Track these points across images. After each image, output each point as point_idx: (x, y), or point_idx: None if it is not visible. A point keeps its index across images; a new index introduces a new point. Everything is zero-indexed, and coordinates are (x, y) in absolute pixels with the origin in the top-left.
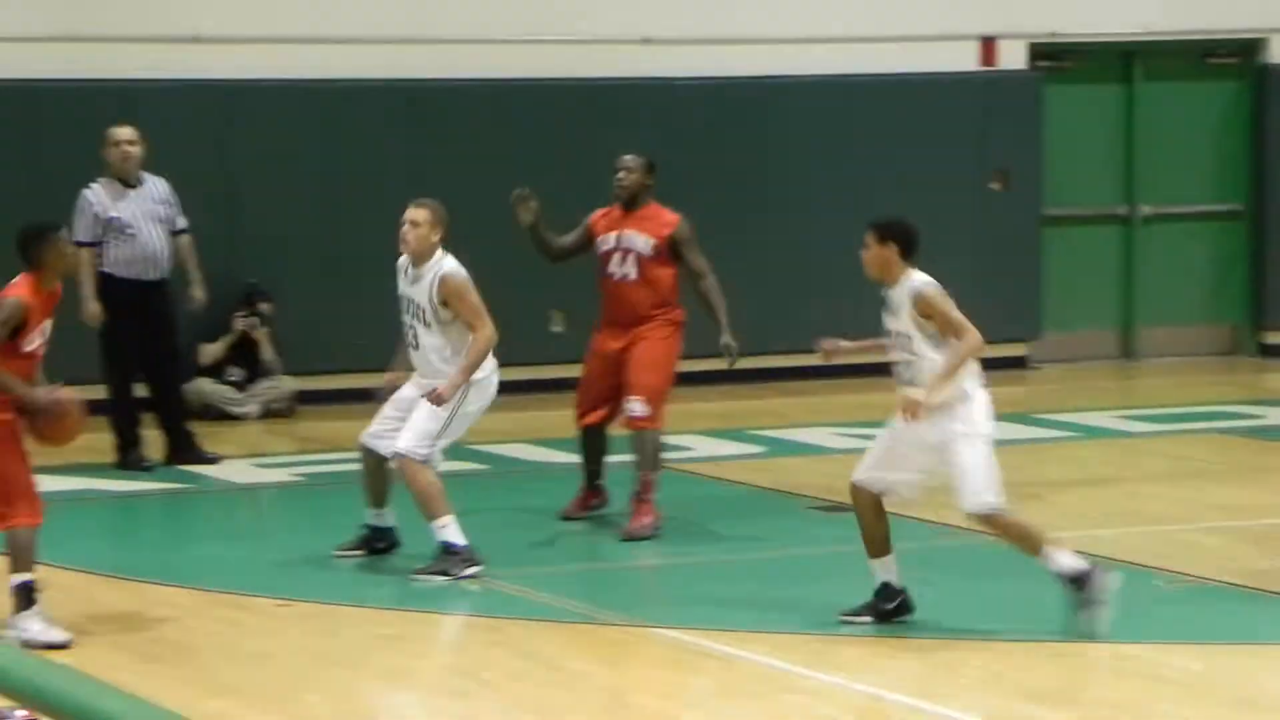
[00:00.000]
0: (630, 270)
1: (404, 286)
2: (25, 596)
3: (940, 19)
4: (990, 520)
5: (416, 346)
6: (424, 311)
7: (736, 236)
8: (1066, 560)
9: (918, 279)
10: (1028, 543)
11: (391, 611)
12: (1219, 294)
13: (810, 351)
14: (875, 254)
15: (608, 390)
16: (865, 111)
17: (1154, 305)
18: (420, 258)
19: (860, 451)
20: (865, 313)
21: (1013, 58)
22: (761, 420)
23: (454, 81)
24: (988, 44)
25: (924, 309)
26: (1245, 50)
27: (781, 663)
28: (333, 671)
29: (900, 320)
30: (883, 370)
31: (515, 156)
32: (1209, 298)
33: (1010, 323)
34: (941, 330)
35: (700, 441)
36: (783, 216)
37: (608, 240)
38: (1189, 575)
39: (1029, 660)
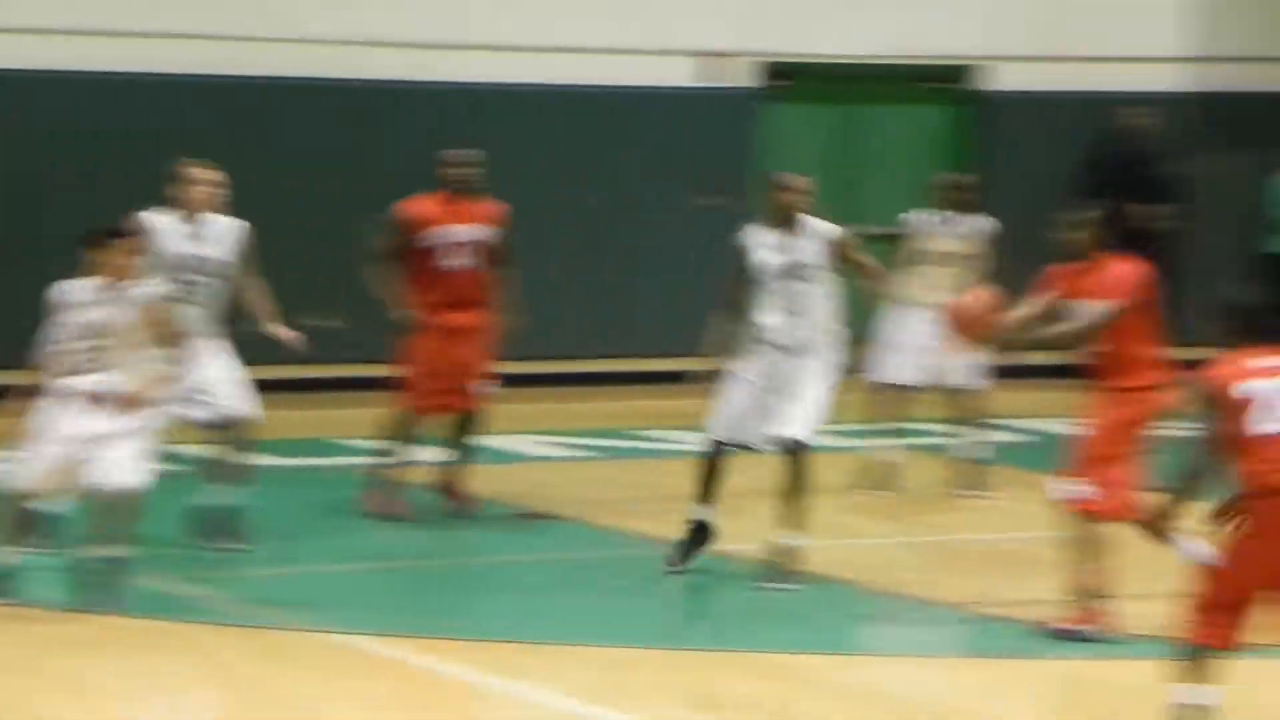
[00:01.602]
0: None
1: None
2: None
3: (663, 34)
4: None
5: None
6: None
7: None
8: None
9: None
10: None
11: (67, 613)
12: None
13: (515, 359)
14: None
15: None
16: (581, 123)
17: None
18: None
19: (560, 460)
20: (567, 316)
21: (735, 75)
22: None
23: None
24: (710, 60)
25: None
26: (956, 76)
27: (463, 669)
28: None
29: None
30: (581, 380)
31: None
32: None
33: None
34: None
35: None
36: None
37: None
38: (877, 588)
39: (709, 669)
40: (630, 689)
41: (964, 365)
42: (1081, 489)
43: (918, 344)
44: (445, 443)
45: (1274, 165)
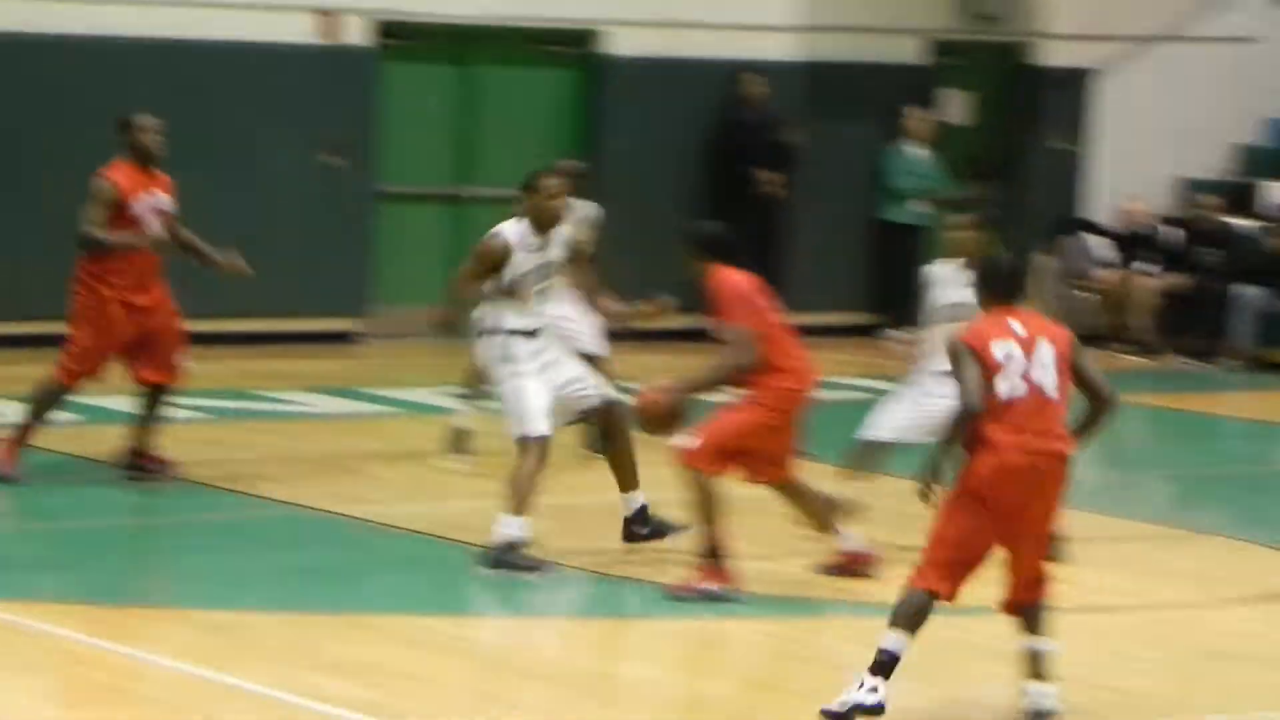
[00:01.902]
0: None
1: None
2: None
3: None
4: None
5: None
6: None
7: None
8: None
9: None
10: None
11: None
12: None
13: None
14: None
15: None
16: (202, 77)
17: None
18: None
19: (179, 422)
20: (188, 275)
21: (353, 33)
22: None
23: None
24: (327, 17)
25: None
26: (578, 40)
27: (71, 632)
28: None
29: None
30: (205, 340)
31: None
32: None
33: (341, 297)
34: None
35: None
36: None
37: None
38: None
39: (327, 631)
40: (246, 651)
41: (590, 331)
42: (688, 441)
43: None
44: (138, 408)
45: (893, 135)
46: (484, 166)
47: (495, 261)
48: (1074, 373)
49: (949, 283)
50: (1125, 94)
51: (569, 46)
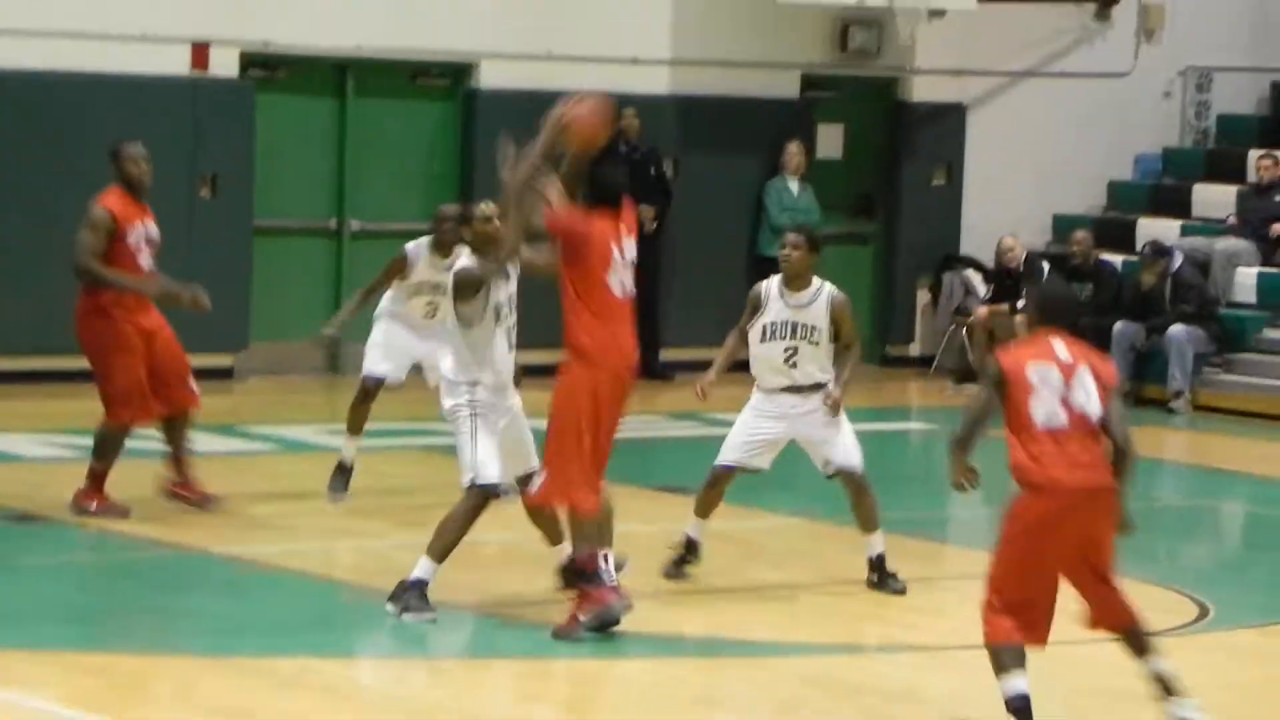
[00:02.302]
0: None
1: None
2: None
3: (151, 21)
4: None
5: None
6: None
7: None
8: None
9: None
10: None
11: None
12: None
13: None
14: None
15: None
16: (74, 110)
17: (363, 318)
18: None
19: (62, 461)
20: (62, 315)
21: (225, 65)
22: None
23: None
24: (199, 49)
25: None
26: (454, 72)
27: None
28: None
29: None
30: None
31: None
32: None
33: (219, 333)
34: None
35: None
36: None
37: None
38: (377, 590)
39: (208, 674)
40: (124, 694)
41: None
42: (538, 483)
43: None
44: (164, 442)
45: (769, 169)
46: (360, 199)
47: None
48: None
49: (781, 302)
50: (997, 129)
51: (444, 79)
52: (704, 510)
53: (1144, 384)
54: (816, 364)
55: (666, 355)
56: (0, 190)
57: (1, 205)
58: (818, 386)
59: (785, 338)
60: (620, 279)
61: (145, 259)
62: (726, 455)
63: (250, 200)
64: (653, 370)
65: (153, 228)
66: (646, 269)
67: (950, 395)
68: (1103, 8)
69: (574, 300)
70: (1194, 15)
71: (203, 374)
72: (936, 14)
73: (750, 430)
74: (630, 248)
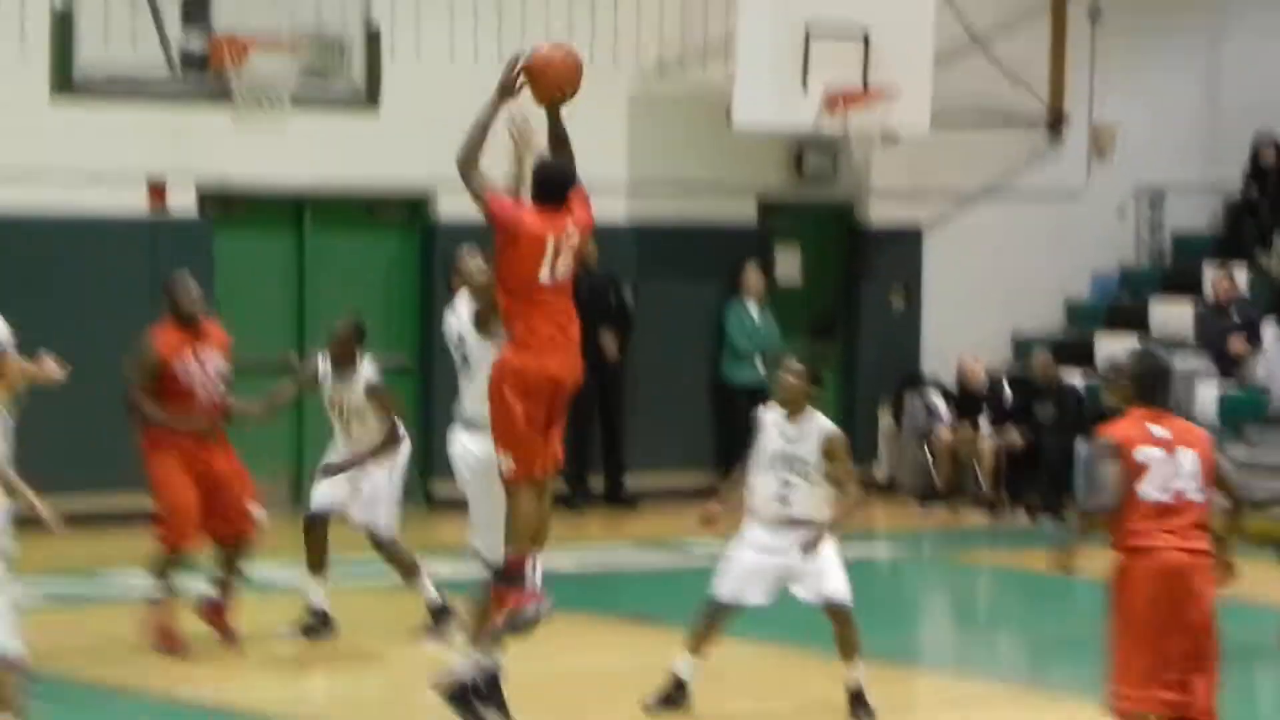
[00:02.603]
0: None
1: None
2: None
3: (108, 158)
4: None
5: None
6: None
7: None
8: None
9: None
10: None
11: None
12: None
13: None
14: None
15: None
16: (25, 250)
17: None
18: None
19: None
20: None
21: (183, 202)
22: None
23: None
24: (156, 187)
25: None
26: (412, 205)
27: None
28: None
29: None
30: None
31: None
32: None
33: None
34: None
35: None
36: None
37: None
38: None
39: None
40: None
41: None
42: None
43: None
44: (216, 567)
45: (728, 293)
46: (321, 333)
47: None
48: (1213, 475)
49: (775, 431)
50: (954, 250)
51: (402, 212)
52: (697, 645)
53: None
54: (811, 499)
55: (630, 480)
56: None
57: None
58: (812, 523)
59: (779, 470)
60: (551, 269)
61: (203, 389)
62: (723, 589)
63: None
64: (617, 497)
65: (212, 358)
66: (609, 394)
67: (916, 517)
68: (1054, 129)
69: (502, 288)
70: (1145, 134)
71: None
72: (890, 139)
73: (745, 563)
74: (571, 238)
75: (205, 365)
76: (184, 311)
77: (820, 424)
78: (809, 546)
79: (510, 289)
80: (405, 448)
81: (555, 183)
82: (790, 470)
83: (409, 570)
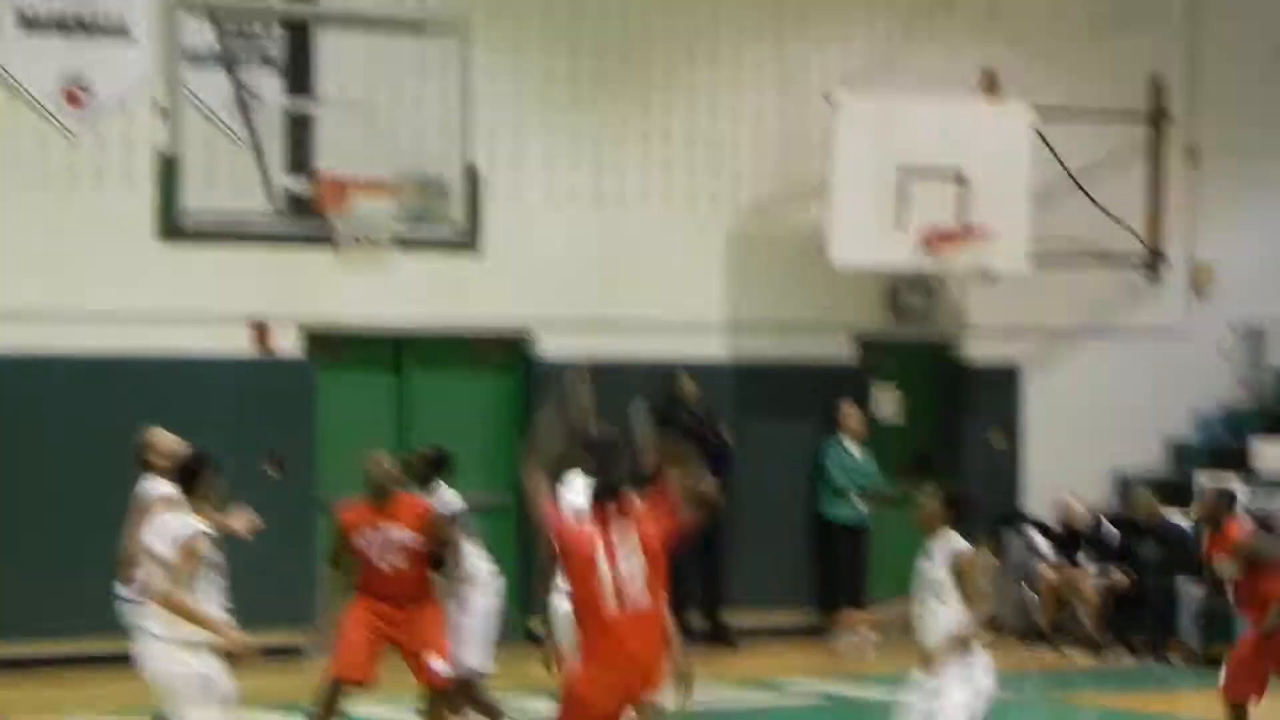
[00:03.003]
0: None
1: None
2: None
3: (213, 301)
4: None
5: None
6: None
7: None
8: None
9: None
10: None
11: None
12: None
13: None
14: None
15: None
16: (133, 390)
17: None
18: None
19: None
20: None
21: (286, 342)
22: (19, 710)
23: None
24: (261, 329)
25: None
26: (512, 344)
27: None
28: None
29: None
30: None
31: None
32: None
33: (284, 608)
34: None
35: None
36: (49, 498)
37: None
38: None
39: None
40: None
41: None
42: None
43: None
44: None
45: (827, 431)
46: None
47: None
48: None
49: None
50: (1054, 387)
51: (503, 350)
52: None
53: (1214, 644)
54: (943, 623)
55: (731, 618)
56: (64, 472)
57: (63, 486)
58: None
59: (920, 593)
60: (618, 591)
61: (383, 561)
62: None
63: (313, 476)
64: (718, 635)
65: (393, 530)
66: (709, 533)
67: (1020, 658)
68: (1152, 268)
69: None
70: (1244, 271)
71: (268, 653)
72: (988, 275)
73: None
74: (630, 555)
75: (386, 538)
76: (372, 483)
77: (952, 544)
78: (926, 665)
79: (576, 602)
80: (492, 584)
81: (604, 484)
82: (929, 592)
83: (493, 715)
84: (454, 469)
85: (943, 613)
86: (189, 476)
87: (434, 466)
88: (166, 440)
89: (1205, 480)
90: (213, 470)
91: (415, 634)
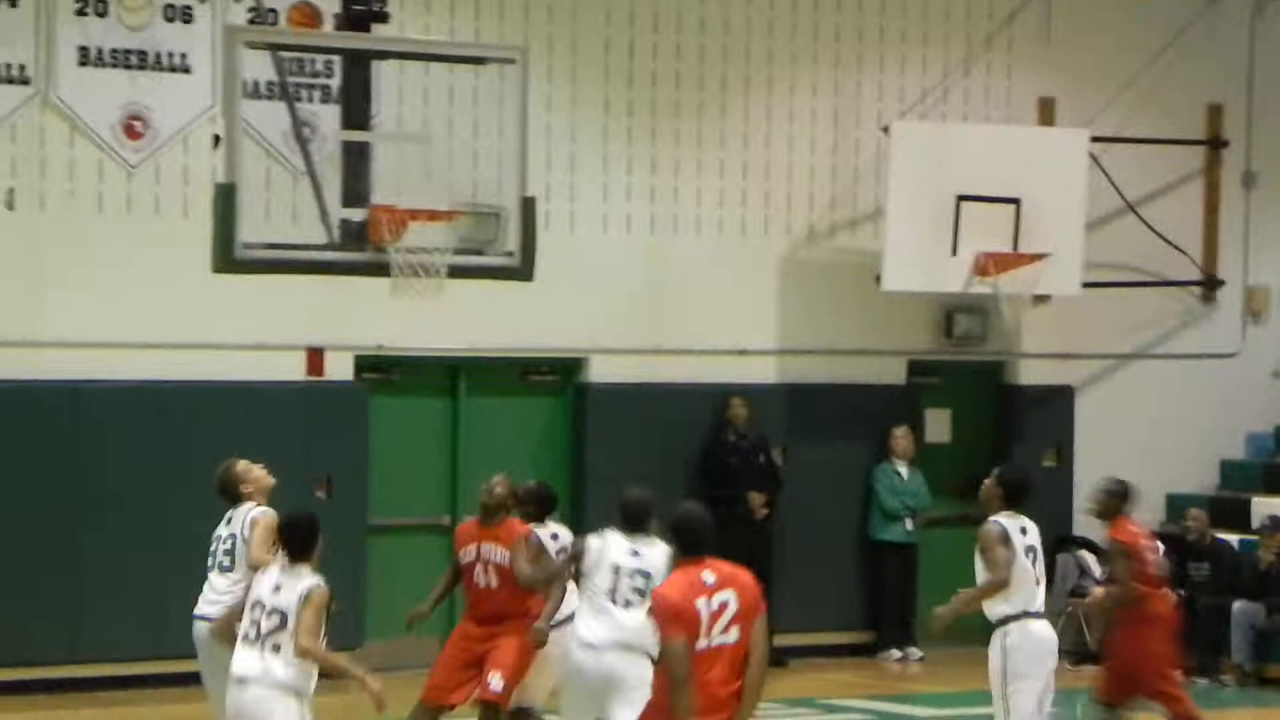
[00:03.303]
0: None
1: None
2: None
3: (268, 330)
4: None
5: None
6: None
7: (52, 542)
8: None
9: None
10: None
11: None
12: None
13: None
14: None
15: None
16: (189, 418)
17: None
18: None
19: None
20: (178, 620)
21: (339, 369)
22: None
23: None
24: (314, 354)
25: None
26: (564, 369)
27: None
28: None
29: None
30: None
31: None
32: None
33: (333, 633)
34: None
35: None
36: (99, 523)
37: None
38: None
39: None
40: None
41: None
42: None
43: None
44: None
45: (878, 454)
46: (474, 495)
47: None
48: None
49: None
50: (1106, 410)
51: (555, 375)
52: None
53: (1266, 664)
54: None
55: (780, 640)
56: (115, 498)
57: (115, 512)
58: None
59: None
60: (709, 638)
61: (482, 578)
62: None
63: (365, 500)
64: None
65: (492, 550)
66: (758, 553)
67: (1069, 676)
68: (1208, 291)
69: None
70: None
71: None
72: (1041, 299)
73: None
74: (719, 599)
75: (486, 556)
76: (482, 504)
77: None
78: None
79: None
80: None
81: (689, 536)
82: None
83: None
84: (556, 507)
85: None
86: (308, 539)
87: (537, 501)
88: (256, 471)
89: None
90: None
91: (492, 650)
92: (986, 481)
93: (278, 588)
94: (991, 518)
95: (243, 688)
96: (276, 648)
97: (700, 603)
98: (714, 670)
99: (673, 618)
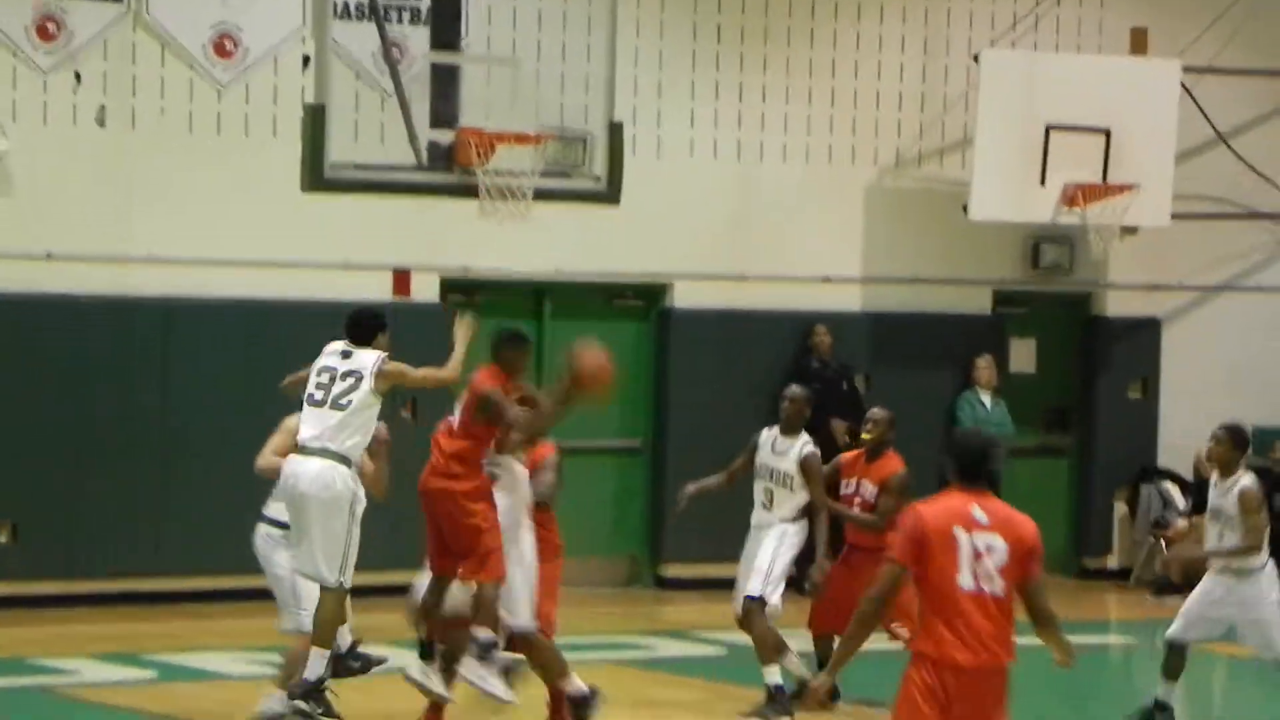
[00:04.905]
0: None
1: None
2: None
3: (354, 248)
4: None
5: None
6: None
7: (139, 456)
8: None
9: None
10: None
11: None
12: (618, 527)
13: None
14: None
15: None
16: (277, 336)
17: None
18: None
19: (260, 677)
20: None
21: (425, 290)
22: (155, 644)
23: None
24: (400, 275)
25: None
26: (649, 294)
27: None
28: None
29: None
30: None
31: None
32: (609, 531)
33: (407, 553)
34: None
35: (88, 666)
36: (187, 438)
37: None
38: None
39: None
40: None
41: None
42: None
43: None
44: None
45: (962, 384)
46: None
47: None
48: None
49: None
50: (1193, 342)
51: (640, 300)
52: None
53: None
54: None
55: None
56: (205, 412)
57: (204, 427)
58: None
59: (1214, 524)
60: (973, 571)
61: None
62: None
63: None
64: None
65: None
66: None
67: (1150, 607)
68: None
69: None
70: None
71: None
72: (1129, 230)
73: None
74: (985, 540)
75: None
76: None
77: (1241, 483)
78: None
79: (926, 593)
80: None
81: (971, 461)
82: (1225, 525)
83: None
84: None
85: (1228, 537)
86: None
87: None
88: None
89: None
90: None
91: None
92: (1213, 443)
93: (347, 354)
94: (1251, 478)
95: (305, 457)
96: (342, 406)
97: (959, 531)
98: (976, 619)
99: (918, 538)
